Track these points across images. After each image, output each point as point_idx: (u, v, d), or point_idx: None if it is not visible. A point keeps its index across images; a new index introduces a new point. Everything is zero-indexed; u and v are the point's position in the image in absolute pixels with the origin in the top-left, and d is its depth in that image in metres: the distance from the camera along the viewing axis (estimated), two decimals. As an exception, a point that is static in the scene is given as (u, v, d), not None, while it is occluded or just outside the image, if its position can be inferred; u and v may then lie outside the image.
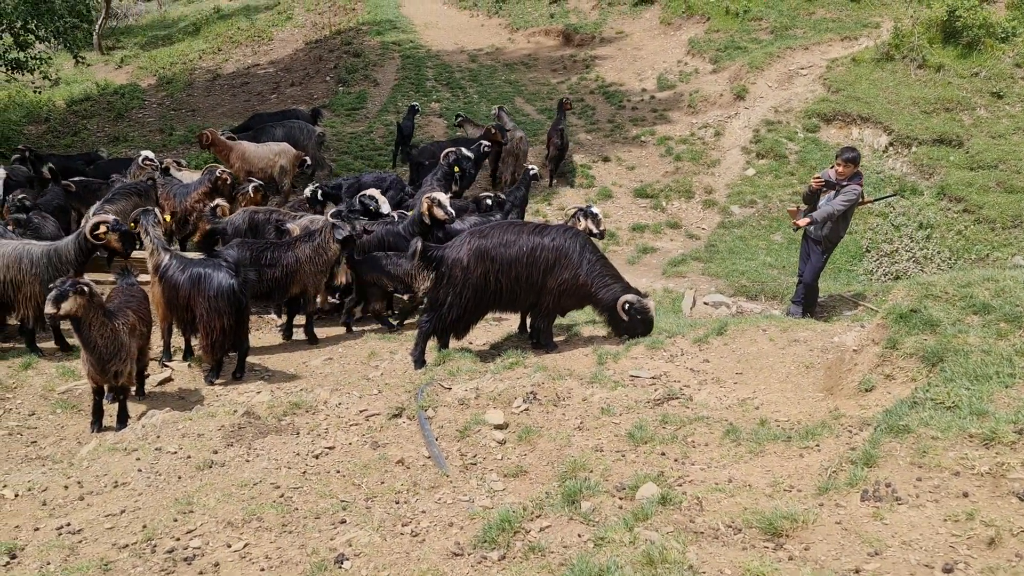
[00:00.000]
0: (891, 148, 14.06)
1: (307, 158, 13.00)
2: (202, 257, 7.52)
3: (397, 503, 4.20)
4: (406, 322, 8.87)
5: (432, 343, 7.09)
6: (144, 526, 4.07)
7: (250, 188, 10.44)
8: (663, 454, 4.42)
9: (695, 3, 22.05)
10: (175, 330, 7.76)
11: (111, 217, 7.64)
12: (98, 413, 6.38)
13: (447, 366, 6.46)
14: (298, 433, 5.27)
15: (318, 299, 8.94)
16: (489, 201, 10.10)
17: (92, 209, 9.54)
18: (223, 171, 10.41)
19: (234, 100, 21.02)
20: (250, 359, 7.63)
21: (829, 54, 17.48)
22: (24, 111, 20.23)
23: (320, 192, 10.39)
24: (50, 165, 11.48)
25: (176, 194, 10.48)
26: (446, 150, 11.22)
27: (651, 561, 3.15)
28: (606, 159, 15.38)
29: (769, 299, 9.81)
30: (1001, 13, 16.27)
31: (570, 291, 6.78)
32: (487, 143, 12.85)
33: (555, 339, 7.21)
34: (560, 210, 13.24)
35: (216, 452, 5.03)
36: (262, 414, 5.56)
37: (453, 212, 8.38)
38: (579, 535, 3.58)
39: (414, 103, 16.50)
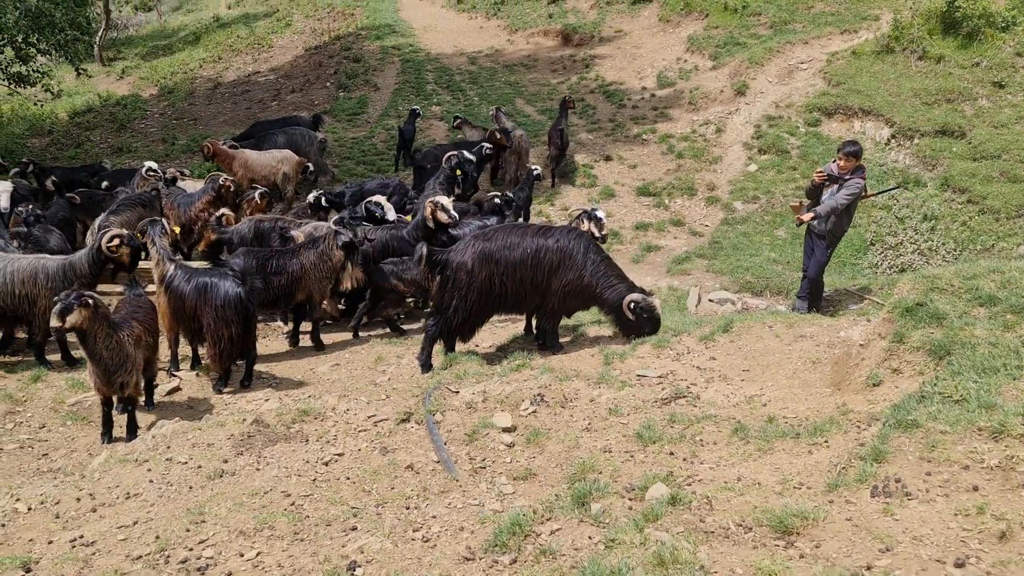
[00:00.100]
0: (893, 140, 14.03)
1: (310, 164, 13.04)
2: (207, 266, 7.55)
3: (407, 509, 4.21)
4: (408, 327, 8.89)
5: (438, 347, 7.11)
6: (157, 537, 4.09)
7: (256, 195, 10.47)
8: (672, 454, 4.42)
9: (693, 0, 22.04)
10: (182, 339, 7.79)
11: (125, 231, 7.70)
12: (108, 424, 6.40)
13: (454, 369, 6.47)
14: (307, 440, 5.28)
15: (328, 307, 8.96)
16: (497, 200, 10.08)
17: (97, 221, 9.60)
18: (226, 179, 10.45)
19: (235, 108, 21.08)
20: (257, 367, 7.66)
21: (829, 48, 17.44)
22: (27, 124, 20.33)
23: (324, 199, 10.42)
24: (53, 178, 11.54)
25: (180, 204, 10.53)
26: (448, 153, 11.25)
27: (662, 562, 3.16)
28: (608, 158, 15.38)
29: (774, 295, 9.80)
30: (1001, 2, 16.21)
31: (575, 292, 6.79)
32: (488, 145, 12.88)
33: (561, 340, 7.22)
34: (563, 210, 13.25)
35: (226, 461, 5.05)
36: (271, 422, 5.58)
37: (457, 215, 8.40)
38: (590, 537, 3.59)
39: (415, 107, 16.55)
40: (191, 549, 3.94)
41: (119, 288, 8.42)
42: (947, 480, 3.40)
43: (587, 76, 20.89)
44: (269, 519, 4.13)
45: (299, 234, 8.80)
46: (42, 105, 19.52)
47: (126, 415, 6.43)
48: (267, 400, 6.75)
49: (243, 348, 7.30)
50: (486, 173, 14.29)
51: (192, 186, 11.46)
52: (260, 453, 5.13)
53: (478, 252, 6.69)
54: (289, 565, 3.75)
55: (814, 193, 8.69)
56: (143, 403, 6.88)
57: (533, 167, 11.72)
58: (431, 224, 8.33)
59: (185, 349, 8.00)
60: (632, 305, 6.65)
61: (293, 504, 4.34)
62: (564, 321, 7.35)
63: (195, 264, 8.14)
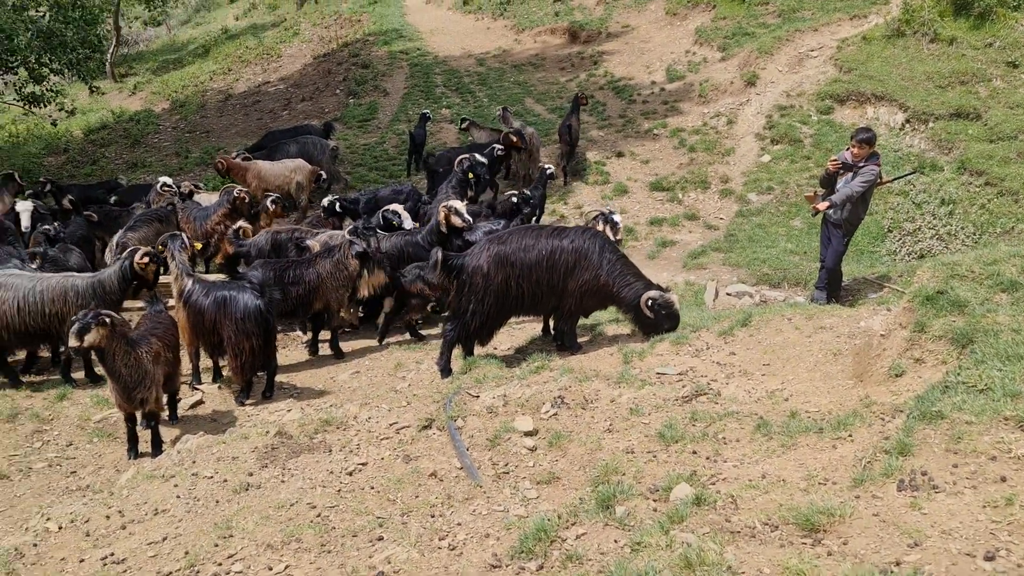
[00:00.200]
0: (907, 125, 13.89)
1: (322, 173, 13.10)
2: (225, 280, 7.61)
3: (433, 517, 4.22)
4: (426, 332, 8.91)
5: (457, 351, 7.13)
6: (186, 552, 4.13)
7: (268, 203, 10.55)
8: (695, 452, 4.40)
9: (700, -9, 21.96)
10: (203, 353, 7.85)
11: (152, 249, 7.80)
12: (133, 440, 6.47)
13: (473, 373, 6.47)
14: (330, 450, 5.31)
15: (346, 315, 9.00)
16: (515, 199, 10.07)
17: (115, 238, 9.69)
18: (240, 191, 10.54)
19: (247, 119, 21.20)
20: (279, 377, 7.71)
21: (839, 34, 17.30)
22: (43, 143, 20.54)
23: (338, 204, 10.46)
24: (70, 197, 11.66)
25: (196, 217, 10.62)
26: (460, 157, 11.27)
27: (689, 564, 3.15)
28: (620, 154, 15.33)
29: (792, 286, 9.74)
30: (1012, -19, 16.02)
31: (592, 292, 6.78)
32: (500, 147, 12.88)
33: (579, 340, 7.21)
34: (577, 209, 13.23)
35: (251, 474, 5.09)
36: (294, 433, 5.62)
37: (471, 219, 8.41)
38: (615, 541, 3.58)
39: (425, 111, 16.58)
40: (220, 564, 3.97)
41: (139, 304, 8.50)
42: (974, 472, 3.36)
43: (596, 73, 20.85)
44: (296, 532, 4.15)
45: (315, 243, 8.86)
46: (57, 124, 19.74)
47: (150, 431, 6.49)
48: (289, 410, 6.80)
49: (264, 360, 7.36)
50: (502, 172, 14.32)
51: (207, 199, 11.55)
52: (284, 465, 5.16)
53: (493, 255, 6.70)
54: (317, 577, 3.77)
55: (829, 182, 8.63)
56: (167, 417, 6.95)
57: (546, 166, 11.68)
58: (444, 228, 8.35)
59: (207, 362, 8.07)
60: (650, 303, 6.64)
61: (319, 516, 4.36)
62: (582, 320, 7.34)
63: (212, 278, 8.21)
